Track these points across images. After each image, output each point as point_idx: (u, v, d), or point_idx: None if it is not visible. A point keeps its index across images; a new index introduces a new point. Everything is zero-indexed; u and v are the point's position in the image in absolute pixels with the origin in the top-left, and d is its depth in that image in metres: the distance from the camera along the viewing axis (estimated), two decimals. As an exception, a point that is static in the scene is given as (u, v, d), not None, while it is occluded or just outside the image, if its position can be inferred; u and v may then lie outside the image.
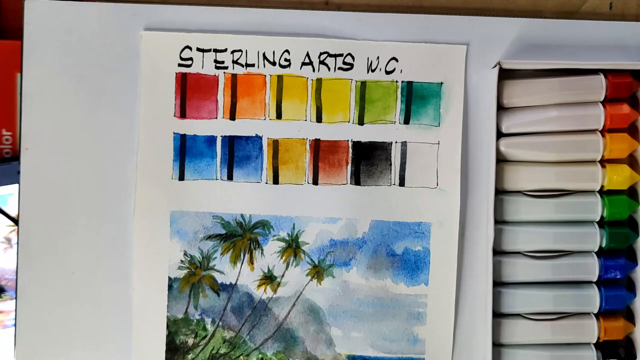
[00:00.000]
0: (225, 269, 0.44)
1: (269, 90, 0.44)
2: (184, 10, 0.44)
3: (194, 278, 0.44)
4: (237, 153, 0.44)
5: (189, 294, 0.44)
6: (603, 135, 0.43)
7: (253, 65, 0.44)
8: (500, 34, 0.44)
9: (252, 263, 0.44)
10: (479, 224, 0.44)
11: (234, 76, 0.44)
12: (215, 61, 0.44)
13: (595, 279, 0.44)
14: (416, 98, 0.44)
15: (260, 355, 0.44)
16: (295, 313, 0.44)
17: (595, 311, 0.44)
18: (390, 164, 0.44)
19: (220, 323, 0.44)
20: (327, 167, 0.44)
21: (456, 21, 0.44)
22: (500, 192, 0.44)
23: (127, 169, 0.44)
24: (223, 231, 0.44)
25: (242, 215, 0.44)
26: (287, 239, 0.44)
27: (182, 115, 0.44)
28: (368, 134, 0.44)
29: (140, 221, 0.44)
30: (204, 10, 0.44)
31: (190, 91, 0.44)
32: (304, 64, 0.44)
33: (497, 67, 0.43)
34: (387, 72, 0.44)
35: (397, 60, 0.44)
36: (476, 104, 0.44)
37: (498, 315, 0.44)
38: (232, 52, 0.44)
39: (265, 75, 0.44)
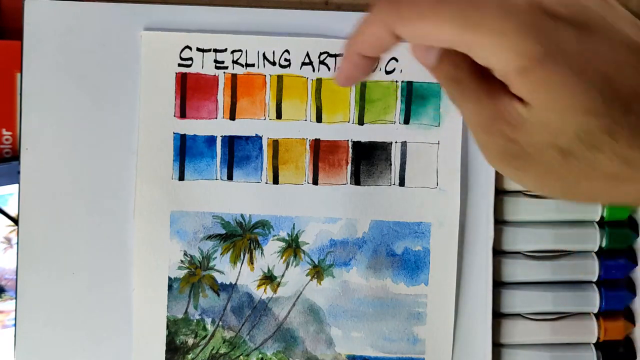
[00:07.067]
0: (225, 269, 0.44)
1: (269, 90, 0.44)
2: (184, 10, 0.44)
3: (194, 278, 0.44)
4: (237, 153, 0.44)
5: (189, 294, 0.44)
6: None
7: (253, 65, 0.44)
8: (500, 34, 0.44)
9: (252, 263, 0.44)
10: (479, 224, 0.44)
11: (234, 76, 0.44)
12: (215, 61, 0.44)
13: (595, 279, 0.44)
14: (416, 98, 0.44)
15: (260, 355, 0.44)
16: (295, 313, 0.44)
17: (595, 311, 0.44)
18: (390, 164, 0.44)
19: (220, 323, 0.44)
20: (327, 167, 0.44)
21: (456, 21, 0.44)
22: (500, 192, 0.44)
23: (127, 169, 0.44)
24: (223, 231, 0.44)
25: (242, 215, 0.44)
26: (287, 239, 0.44)
27: (182, 115, 0.44)
28: (368, 134, 0.44)
29: (140, 221, 0.44)
30: (204, 10, 0.44)
31: (190, 91, 0.44)
32: (304, 64, 0.44)
33: (497, 67, 0.42)
34: (387, 72, 0.44)
35: (397, 60, 0.44)
36: (476, 104, 0.44)
37: (498, 315, 0.44)
38: (232, 52, 0.44)
39: (265, 75, 0.44)
